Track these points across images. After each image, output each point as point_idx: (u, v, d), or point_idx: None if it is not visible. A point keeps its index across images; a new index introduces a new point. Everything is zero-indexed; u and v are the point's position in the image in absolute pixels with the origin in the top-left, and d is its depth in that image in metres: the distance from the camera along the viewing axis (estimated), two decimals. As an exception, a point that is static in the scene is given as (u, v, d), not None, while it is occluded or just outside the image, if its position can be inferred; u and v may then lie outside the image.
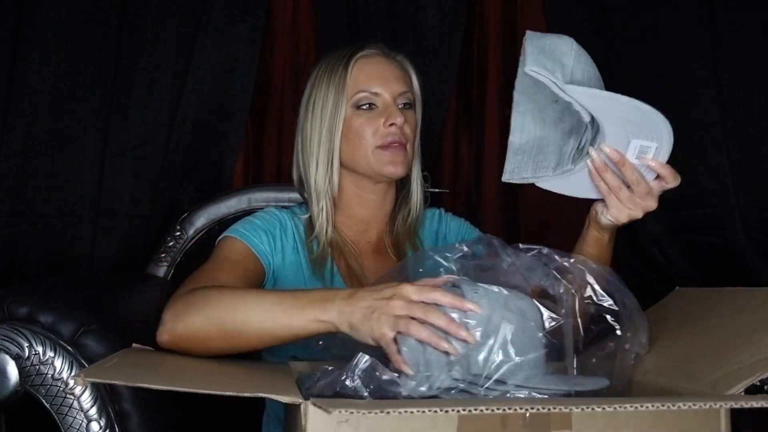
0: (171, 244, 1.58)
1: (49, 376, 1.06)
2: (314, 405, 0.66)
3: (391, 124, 1.20)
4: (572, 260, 0.90)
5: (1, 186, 1.49)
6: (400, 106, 1.23)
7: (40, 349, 1.07)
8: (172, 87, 1.60)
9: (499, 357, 0.79)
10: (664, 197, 1.64)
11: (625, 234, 1.67)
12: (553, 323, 0.85)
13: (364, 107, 1.22)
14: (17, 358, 1.06)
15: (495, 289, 0.84)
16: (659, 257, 1.62)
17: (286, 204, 1.58)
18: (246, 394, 0.71)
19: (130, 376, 0.76)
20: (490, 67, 1.76)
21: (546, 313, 0.85)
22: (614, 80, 1.65)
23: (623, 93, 1.62)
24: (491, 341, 0.80)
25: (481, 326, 0.80)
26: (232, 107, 1.67)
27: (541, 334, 0.83)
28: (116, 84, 1.56)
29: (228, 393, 0.71)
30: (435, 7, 1.70)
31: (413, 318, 0.81)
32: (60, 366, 1.07)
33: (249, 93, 1.68)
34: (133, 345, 0.97)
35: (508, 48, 1.75)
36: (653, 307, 1.21)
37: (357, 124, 1.22)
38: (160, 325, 0.96)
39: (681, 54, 1.59)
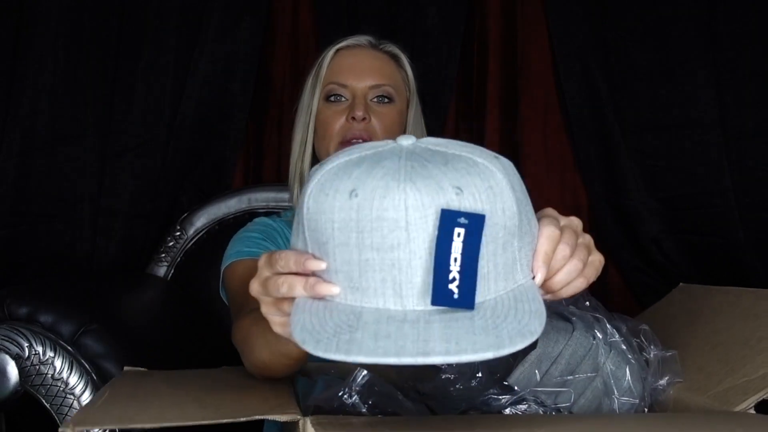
0: (171, 244, 1.58)
1: (49, 376, 1.06)
2: (313, 424, 0.65)
3: (352, 118, 1.14)
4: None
5: (1, 186, 1.49)
6: (373, 100, 1.17)
7: (40, 349, 1.07)
8: (172, 87, 1.60)
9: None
10: (664, 197, 1.65)
11: (625, 234, 1.67)
12: None
13: (332, 99, 1.17)
14: (17, 358, 1.06)
15: None
16: (659, 257, 1.62)
17: (286, 205, 1.58)
18: (242, 419, 0.68)
19: (119, 418, 0.73)
20: (490, 67, 1.76)
21: None
22: (614, 80, 1.67)
23: (623, 93, 1.64)
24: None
25: None
26: (232, 107, 1.67)
27: None
28: (116, 84, 1.56)
29: (223, 420, 0.69)
30: (435, 7, 1.70)
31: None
32: (60, 366, 1.07)
33: (249, 93, 1.68)
34: (125, 369, 0.96)
35: (508, 48, 1.75)
36: (657, 303, 1.20)
37: (323, 117, 1.17)
38: None
39: (681, 54, 1.58)
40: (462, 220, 0.59)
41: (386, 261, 0.59)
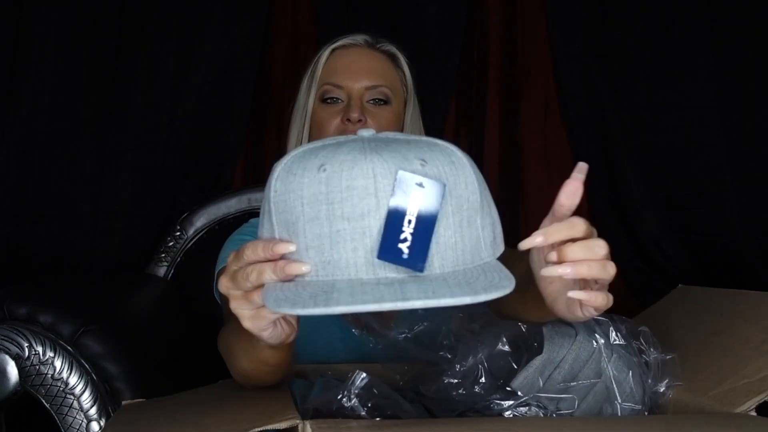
0: (171, 244, 1.58)
1: (49, 376, 1.06)
2: (313, 428, 0.65)
3: (348, 120, 1.12)
4: None
5: (1, 186, 1.49)
6: (369, 102, 1.15)
7: (40, 349, 1.07)
8: (172, 87, 1.60)
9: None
10: (664, 197, 1.65)
11: (625, 234, 1.67)
12: None
13: (328, 101, 1.16)
14: (17, 358, 1.06)
15: None
16: (659, 257, 1.62)
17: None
18: None
19: None
20: (490, 67, 1.76)
21: None
22: (614, 80, 1.67)
23: (623, 93, 1.64)
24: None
25: None
26: (232, 107, 1.67)
27: None
28: (116, 84, 1.56)
29: None
30: (435, 6, 1.70)
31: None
32: (60, 366, 1.07)
33: (249, 93, 1.68)
34: (123, 403, 0.96)
35: (508, 48, 1.75)
36: (656, 304, 1.20)
37: (319, 118, 1.16)
38: None
39: (681, 54, 1.59)
40: (420, 184, 0.61)
41: (357, 229, 0.60)
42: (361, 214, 0.60)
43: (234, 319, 0.71)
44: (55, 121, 1.53)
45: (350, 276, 0.61)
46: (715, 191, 1.57)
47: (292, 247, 0.62)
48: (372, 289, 0.58)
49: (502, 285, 0.60)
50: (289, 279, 0.62)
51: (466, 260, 0.63)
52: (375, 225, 0.60)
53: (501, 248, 0.68)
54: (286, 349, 0.76)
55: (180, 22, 1.60)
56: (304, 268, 0.61)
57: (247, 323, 0.68)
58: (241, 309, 0.67)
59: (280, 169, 0.65)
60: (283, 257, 0.63)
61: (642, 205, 1.62)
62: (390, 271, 0.60)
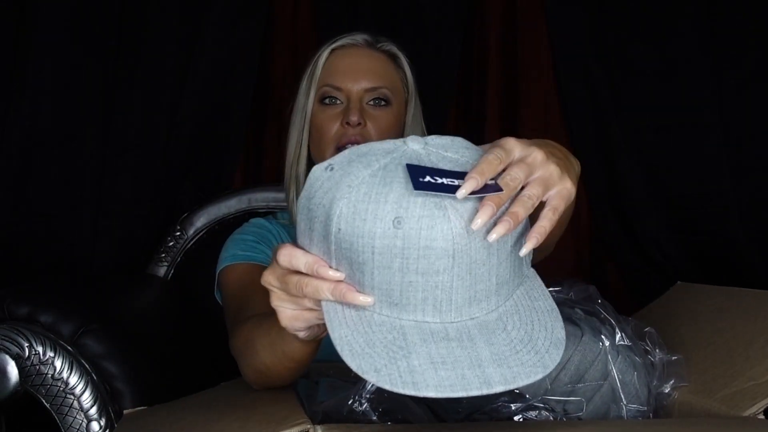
0: (171, 244, 1.58)
1: (49, 376, 1.06)
2: None
3: (347, 123, 1.12)
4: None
5: (1, 186, 1.49)
6: (369, 103, 1.15)
7: (40, 349, 1.07)
8: (172, 87, 1.59)
9: None
10: (664, 197, 1.65)
11: (625, 233, 1.67)
12: None
13: (327, 102, 1.16)
14: (17, 358, 1.06)
15: None
16: (659, 257, 1.62)
17: (285, 205, 1.58)
18: None
19: None
20: (490, 67, 1.76)
21: None
22: (614, 80, 1.67)
23: (623, 93, 1.64)
24: None
25: None
26: (232, 107, 1.67)
27: None
28: (116, 84, 1.56)
29: None
30: (435, 6, 1.70)
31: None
32: (60, 366, 1.07)
33: (249, 93, 1.67)
34: (125, 413, 0.95)
35: (508, 48, 1.75)
36: (655, 302, 1.20)
37: (318, 120, 1.15)
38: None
39: (681, 54, 1.59)
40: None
41: (430, 283, 0.62)
42: (437, 271, 0.61)
43: (256, 317, 0.71)
44: (55, 121, 1.52)
45: (416, 318, 0.63)
46: (715, 191, 1.57)
47: (339, 276, 0.63)
48: (447, 353, 0.60)
49: (557, 336, 0.64)
50: (349, 305, 0.63)
51: (516, 284, 0.66)
52: (447, 280, 0.62)
53: (539, 255, 0.71)
54: (314, 345, 0.76)
55: (180, 22, 1.59)
56: (368, 300, 0.62)
57: (285, 322, 0.68)
58: (284, 306, 0.67)
59: (343, 208, 0.63)
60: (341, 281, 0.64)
61: (642, 205, 1.62)
62: (454, 316, 0.63)
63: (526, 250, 0.63)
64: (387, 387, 0.58)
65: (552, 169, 0.65)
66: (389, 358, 0.59)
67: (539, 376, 0.60)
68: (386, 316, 0.63)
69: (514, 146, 0.65)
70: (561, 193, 0.66)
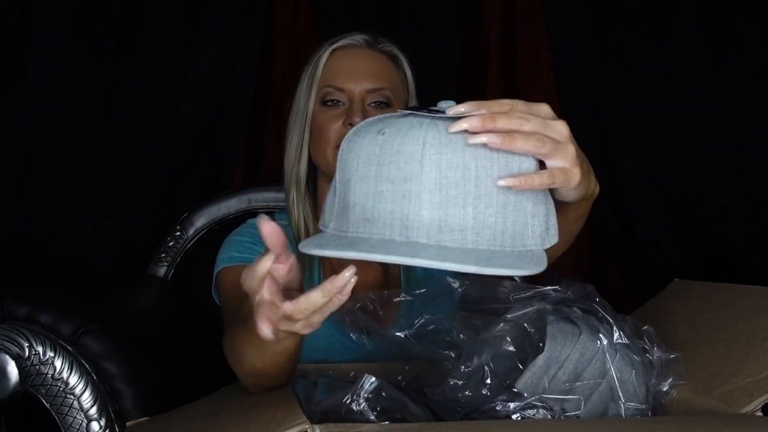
0: (171, 244, 1.58)
1: (49, 376, 1.06)
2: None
3: (350, 124, 1.10)
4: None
5: (1, 186, 1.49)
6: (371, 104, 1.15)
7: (40, 349, 1.07)
8: (172, 87, 1.59)
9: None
10: (665, 197, 1.65)
11: (625, 233, 1.67)
12: None
13: (329, 103, 1.15)
14: (17, 358, 1.06)
15: None
16: (659, 257, 1.62)
17: (283, 205, 1.58)
18: None
19: None
20: (490, 67, 1.76)
21: None
22: (614, 80, 1.67)
23: (623, 93, 1.64)
24: None
25: None
26: (232, 107, 1.67)
27: None
28: (116, 84, 1.56)
29: None
30: (435, 6, 1.70)
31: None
32: (60, 366, 1.07)
33: (249, 93, 1.67)
34: (128, 425, 0.95)
35: (508, 48, 1.75)
36: (653, 299, 1.20)
37: (320, 121, 1.15)
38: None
39: (681, 54, 1.59)
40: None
41: (398, 192, 0.63)
42: (404, 178, 0.62)
43: (241, 320, 0.70)
44: (55, 121, 1.52)
45: (383, 236, 0.63)
46: (715, 191, 1.57)
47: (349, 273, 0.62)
48: (394, 247, 0.61)
49: (522, 267, 0.61)
50: (346, 292, 0.63)
51: (505, 243, 0.64)
52: (414, 189, 0.62)
53: (554, 240, 0.68)
54: (300, 337, 0.75)
55: (180, 22, 1.59)
56: (347, 274, 0.62)
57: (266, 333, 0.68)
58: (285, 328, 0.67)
59: (351, 131, 0.69)
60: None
61: (642, 205, 1.62)
62: (421, 237, 0.62)
63: (503, 182, 0.63)
64: (311, 250, 0.62)
65: (571, 150, 0.66)
66: (335, 245, 0.63)
67: (469, 269, 0.59)
68: (359, 234, 0.64)
69: (542, 106, 0.65)
70: (566, 171, 0.66)
